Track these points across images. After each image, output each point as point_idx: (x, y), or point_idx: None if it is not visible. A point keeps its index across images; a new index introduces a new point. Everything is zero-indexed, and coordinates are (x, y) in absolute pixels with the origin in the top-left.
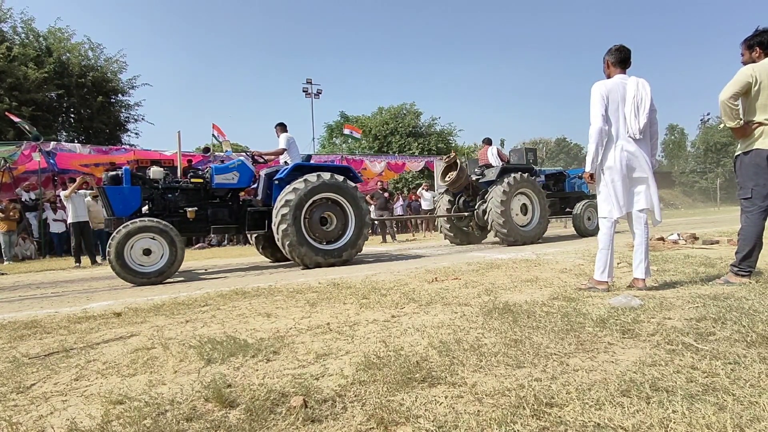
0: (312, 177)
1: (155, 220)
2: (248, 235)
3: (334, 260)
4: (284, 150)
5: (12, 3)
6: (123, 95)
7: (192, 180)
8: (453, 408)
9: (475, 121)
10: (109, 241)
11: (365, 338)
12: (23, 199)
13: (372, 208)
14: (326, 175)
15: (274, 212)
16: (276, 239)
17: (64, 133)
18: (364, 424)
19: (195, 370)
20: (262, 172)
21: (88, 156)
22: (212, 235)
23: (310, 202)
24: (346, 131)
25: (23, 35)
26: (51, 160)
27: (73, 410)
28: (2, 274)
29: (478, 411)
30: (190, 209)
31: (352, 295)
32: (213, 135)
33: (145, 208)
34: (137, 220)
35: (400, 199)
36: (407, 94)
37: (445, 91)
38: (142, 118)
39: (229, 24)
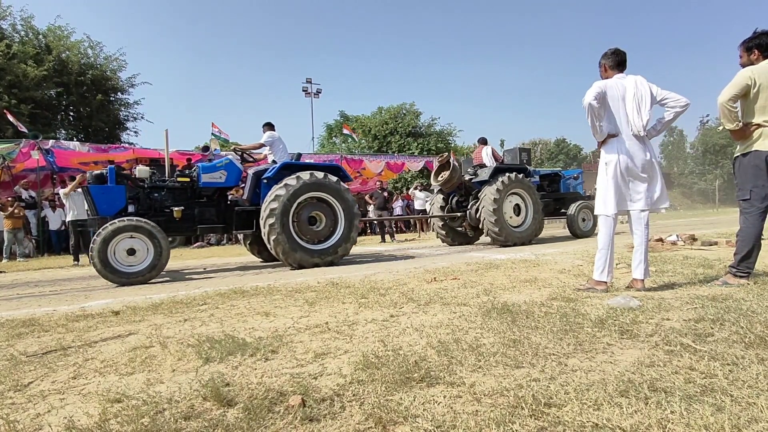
0: (305, 174)
1: (142, 219)
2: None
3: (328, 258)
4: (261, 144)
5: (11, 1)
6: (122, 93)
7: (178, 179)
8: (451, 408)
9: (475, 122)
10: (93, 239)
11: (364, 338)
12: (23, 197)
13: (371, 207)
14: (319, 174)
15: (263, 208)
16: (263, 235)
17: (63, 131)
18: (363, 424)
19: (193, 368)
20: (250, 171)
21: (87, 154)
22: (211, 235)
23: (299, 201)
24: (346, 131)
25: (23, 33)
26: (50, 158)
27: (70, 408)
28: (1, 272)
29: (477, 411)
30: (176, 209)
31: (351, 294)
32: (213, 134)
33: (131, 208)
34: (122, 219)
35: (399, 199)
36: (407, 94)
37: (445, 91)
38: (142, 117)
39: (229, 23)
